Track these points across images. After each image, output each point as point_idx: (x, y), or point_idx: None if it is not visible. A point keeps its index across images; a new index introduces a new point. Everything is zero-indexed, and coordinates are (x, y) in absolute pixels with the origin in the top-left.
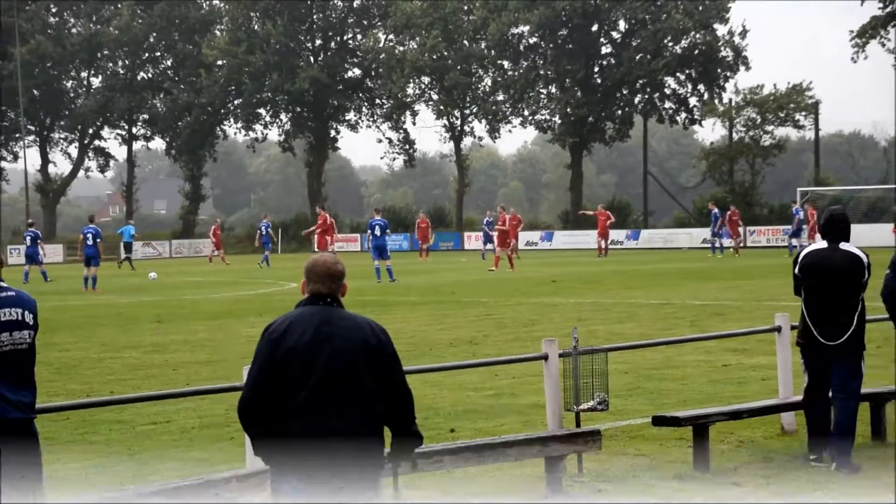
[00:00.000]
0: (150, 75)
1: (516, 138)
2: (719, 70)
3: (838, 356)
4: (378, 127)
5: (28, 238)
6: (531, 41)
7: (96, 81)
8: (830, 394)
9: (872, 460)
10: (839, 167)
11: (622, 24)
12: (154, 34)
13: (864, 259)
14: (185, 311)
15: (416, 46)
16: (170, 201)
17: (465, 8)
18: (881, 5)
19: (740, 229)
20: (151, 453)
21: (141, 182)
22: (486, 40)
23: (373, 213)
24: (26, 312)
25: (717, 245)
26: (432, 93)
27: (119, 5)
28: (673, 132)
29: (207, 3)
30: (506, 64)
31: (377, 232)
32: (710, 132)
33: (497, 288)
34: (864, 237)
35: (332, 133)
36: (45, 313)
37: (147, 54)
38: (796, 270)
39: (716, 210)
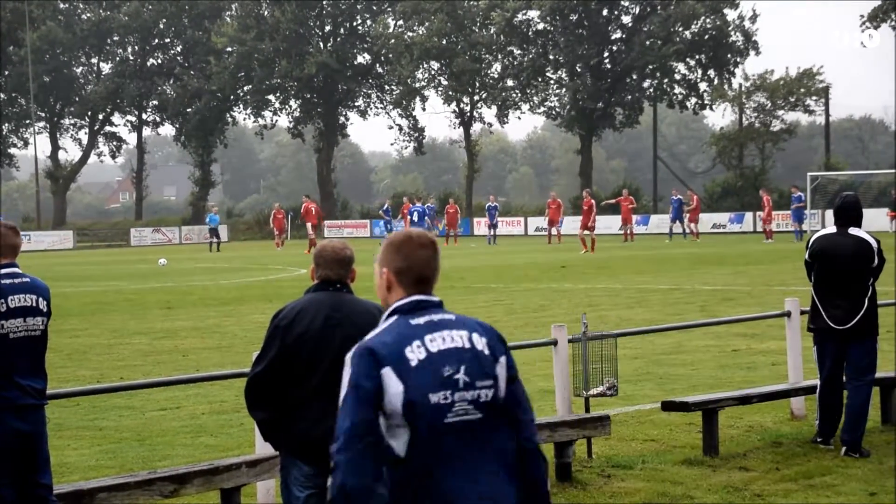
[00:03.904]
0: (159, 61)
1: (526, 123)
2: (729, 55)
3: (851, 340)
4: (388, 113)
5: None
6: (540, 27)
7: (106, 67)
8: (844, 378)
9: (882, 445)
10: (850, 151)
11: (633, 9)
12: (163, 20)
13: (874, 244)
14: (194, 297)
15: (424, 32)
16: (179, 188)
17: None
18: None
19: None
20: (161, 439)
21: (150, 168)
22: (494, 26)
23: (413, 200)
24: (40, 299)
25: (677, 231)
26: (441, 78)
27: None
28: (683, 116)
29: None
30: (515, 50)
31: (415, 218)
32: (720, 118)
33: (506, 274)
34: (875, 222)
35: (342, 119)
36: (55, 299)
37: (157, 40)
38: (807, 256)
39: (678, 197)
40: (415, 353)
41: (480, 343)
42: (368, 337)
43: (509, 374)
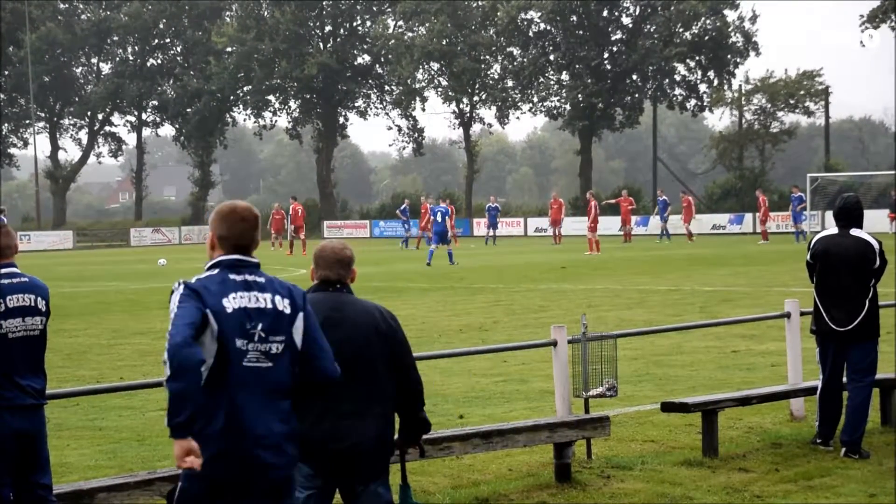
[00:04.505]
0: (159, 62)
1: (525, 124)
2: (729, 56)
3: (852, 342)
4: (387, 114)
5: None
6: (541, 27)
7: (106, 68)
8: (844, 380)
9: (881, 446)
10: (849, 153)
11: (634, 10)
12: (163, 20)
13: (876, 245)
14: None
15: (424, 32)
16: (179, 188)
17: None
18: None
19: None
20: (161, 439)
21: (150, 169)
22: (494, 26)
23: (437, 201)
24: (39, 299)
25: (665, 232)
26: (441, 79)
27: None
28: (682, 117)
29: None
30: (515, 50)
31: (439, 218)
32: (719, 119)
33: (506, 274)
34: (875, 224)
35: (342, 120)
36: (55, 299)
37: (156, 41)
38: (808, 257)
39: (664, 198)
40: (230, 303)
41: (282, 304)
42: (193, 279)
43: (306, 323)
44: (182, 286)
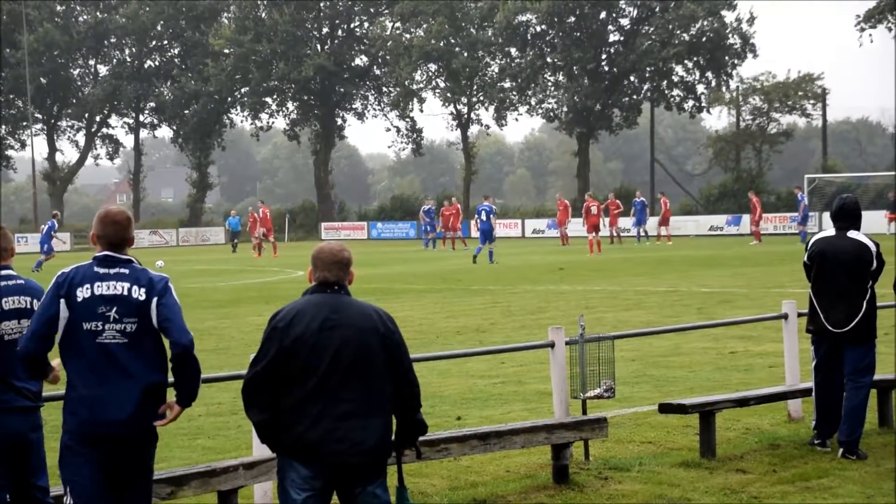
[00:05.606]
0: (157, 63)
1: (523, 126)
2: (727, 57)
3: (849, 343)
4: (385, 115)
5: (44, 227)
6: (538, 29)
7: (103, 69)
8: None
9: (879, 447)
10: (847, 154)
11: (631, 12)
12: (161, 22)
13: (873, 247)
14: (191, 299)
15: (422, 34)
16: (176, 189)
17: None
18: None
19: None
20: (158, 441)
21: (148, 170)
22: (492, 27)
23: (482, 199)
24: (35, 301)
25: (643, 233)
26: (439, 80)
27: None
28: (680, 119)
29: None
30: (513, 51)
31: (483, 217)
32: (717, 120)
33: (504, 276)
34: (873, 224)
35: (339, 121)
36: None
37: (154, 42)
38: (806, 258)
39: (642, 199)
40: (83, 293)
41: (137, 292)
42: (70, 267)
43: (159, 304)
44: (54, 280)
